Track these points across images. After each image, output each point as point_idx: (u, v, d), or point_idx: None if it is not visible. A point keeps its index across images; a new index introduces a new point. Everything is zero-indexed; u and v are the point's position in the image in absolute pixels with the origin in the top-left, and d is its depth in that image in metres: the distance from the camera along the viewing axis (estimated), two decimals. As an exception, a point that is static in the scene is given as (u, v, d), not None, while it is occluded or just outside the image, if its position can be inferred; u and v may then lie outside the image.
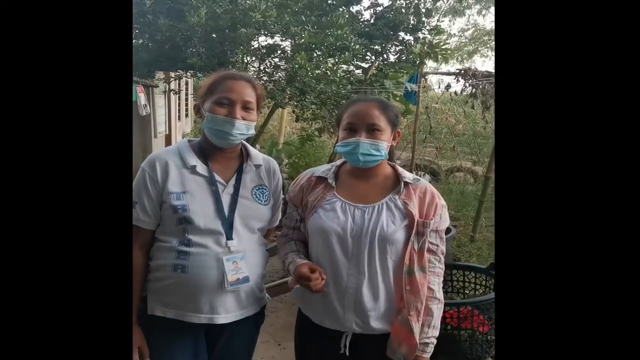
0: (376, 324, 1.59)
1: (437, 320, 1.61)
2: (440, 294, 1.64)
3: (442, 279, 1.67)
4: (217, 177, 1.62)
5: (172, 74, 4.41)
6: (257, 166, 1.71)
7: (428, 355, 1.59)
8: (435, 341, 1.60)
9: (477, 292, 2.90)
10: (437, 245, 1.64)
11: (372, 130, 1.59)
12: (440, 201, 1.66)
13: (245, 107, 1.61)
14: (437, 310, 1.61)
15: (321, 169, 1.73)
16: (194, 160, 1.61)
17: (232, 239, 1.58)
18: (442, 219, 1.65)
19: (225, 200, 1.61)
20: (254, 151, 1.76)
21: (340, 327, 1.61)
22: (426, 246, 1.61)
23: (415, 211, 1.58)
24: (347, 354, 1.62)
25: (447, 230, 3.58)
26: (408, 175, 1.67)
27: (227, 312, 1.59)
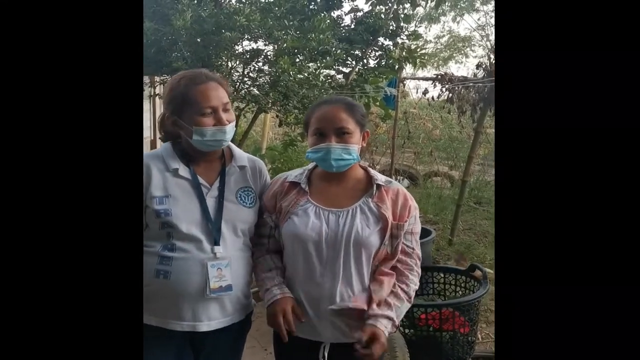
0: (354, 332, 1.55)
1: (395, 305, 1.56)
2: (409, 294, 1.61)
3: (417, 280, 1.65)
4: (201, 180, 1.60)
5: (157, 78, 4.36)
6: (242, 167, 1.69)
7: (381, 327, 1.51)
8: (388, 324, 1.52)
9: (457, 294, 2.97)
10: (413, 249, 1.63)
11: (342, 134, 1.57)
12: (413, 203, 1.66)
13: (225, 108, 1.59)
14: (399, 302, 1.57)
15: (293, 174, 1.70)
16: (176, 163, 1.59)
17: (219, 244, 1.55)
18: (416, 220, 1.65)
19: (210, 203, 1.58)
20: (238, 151, 1.73)
21: (317, 337, 1.58)
22: (400, 248, 1.60)
23: (388, 214, 1.57)
24: None
25: (428, 233, 3.65)
26: (380, 178, 1.65)
27: (210, 319, 1.57)
